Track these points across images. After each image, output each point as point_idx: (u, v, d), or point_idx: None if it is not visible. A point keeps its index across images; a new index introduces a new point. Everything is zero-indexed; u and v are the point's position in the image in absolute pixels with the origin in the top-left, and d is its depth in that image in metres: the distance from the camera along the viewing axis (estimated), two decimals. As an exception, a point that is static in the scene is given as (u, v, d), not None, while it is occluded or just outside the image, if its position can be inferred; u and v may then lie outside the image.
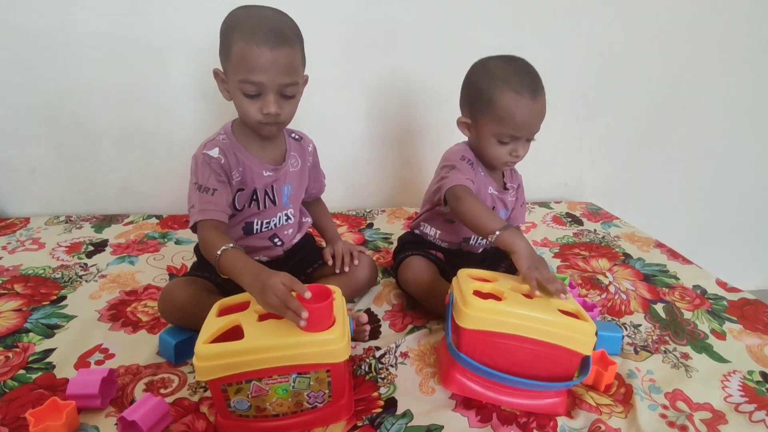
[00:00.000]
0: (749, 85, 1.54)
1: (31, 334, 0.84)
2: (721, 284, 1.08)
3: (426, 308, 0.93)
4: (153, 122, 1.31)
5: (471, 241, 0.99)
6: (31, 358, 0.78)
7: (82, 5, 1.17)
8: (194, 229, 0.81)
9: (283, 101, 0.78)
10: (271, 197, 0.88)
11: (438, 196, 0.91)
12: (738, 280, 1.13)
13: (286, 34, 0.75)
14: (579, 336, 0.67)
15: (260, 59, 0.73)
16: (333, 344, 0.61)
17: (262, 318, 0.64)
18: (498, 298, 0.71)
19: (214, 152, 0.81)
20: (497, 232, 0.77)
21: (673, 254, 1.23)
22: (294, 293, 0.61)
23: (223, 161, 0.81)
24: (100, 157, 1.34)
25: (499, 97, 0.83)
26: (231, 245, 0.72)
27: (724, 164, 1.65)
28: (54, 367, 0.77)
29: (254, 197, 0.86)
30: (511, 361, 0.69)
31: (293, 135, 0.93)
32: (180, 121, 1.31)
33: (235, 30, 0.75)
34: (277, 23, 0.76)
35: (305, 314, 0.59)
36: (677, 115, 1.55)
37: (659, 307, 0.99)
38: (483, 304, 0.67)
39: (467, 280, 0.74)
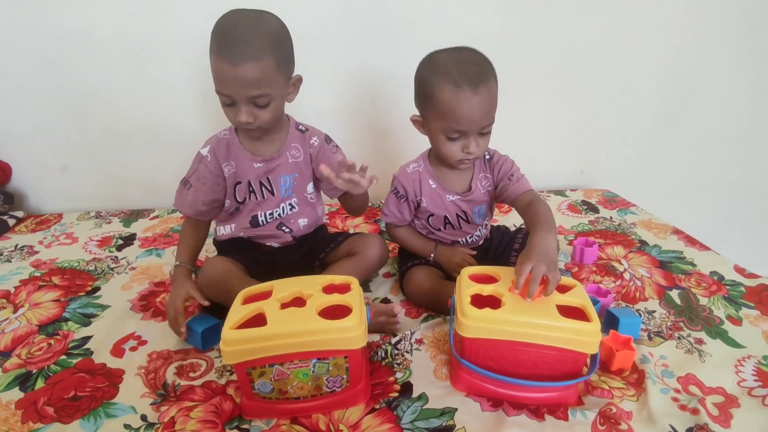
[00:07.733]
0: (771, 66, 1.49)
1: (69, 323, 0.90)
2: (739, 270, 1.07)
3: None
4: (175, 120, 1.35)
5: (461, 242, 0.99)
6: (71, 345, 0.84)
7: (107, 8, 1.21)
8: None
9: (256, 109, 0.79)
10: (268, 188, 0.91)
11: None
12: (759, 267, 1.12)
13: (252, 47, 0.74)
14: (581, 338, 0.66)
15: (224, 74, 0.76)
16: (350, 332, 0.64)
17: (284, 306, 0.68)
18: (498, 301, 0.70)
19: (204, 151, 0.88)
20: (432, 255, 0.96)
21: (691, 241, 1.22)
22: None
23: (210, 159, 0.87)
24: (126, 155, 1.40)
25: (439, 91, 0.80)
26: (183, 261, 0.88)
27: (743, 149, 1.60)
28: (92, 353, 0.82)
29: (251, 188, 0.91)
30: (515, 362, 0.69)
31: (300, 127, 0.93)
32: (201, 118, 1.35)
33: (212, 38, 0.76)
34: (246, 34, 0.74)
35: (183, 330, 0.80)
36: (695, 99, 1.52)
37: (674, 294, 0.99)
38: (480, 314, 0.67)
39: (468, 283, 0.74)
